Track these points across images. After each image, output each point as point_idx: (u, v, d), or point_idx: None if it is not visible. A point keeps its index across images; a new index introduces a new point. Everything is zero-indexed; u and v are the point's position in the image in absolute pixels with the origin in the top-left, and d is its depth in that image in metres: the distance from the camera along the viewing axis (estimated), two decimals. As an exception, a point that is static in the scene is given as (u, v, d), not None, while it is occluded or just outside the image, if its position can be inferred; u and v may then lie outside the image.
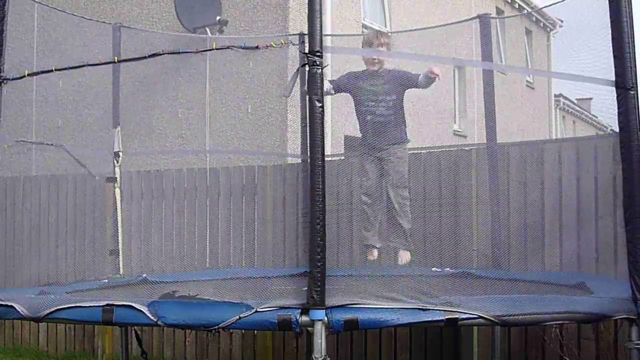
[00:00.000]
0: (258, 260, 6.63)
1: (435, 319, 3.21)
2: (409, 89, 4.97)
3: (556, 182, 5.40)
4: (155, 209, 7.08)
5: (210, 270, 6.52)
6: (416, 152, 5.83)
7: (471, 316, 3.22)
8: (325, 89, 4.98)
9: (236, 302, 3.34)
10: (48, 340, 7.38)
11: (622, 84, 3.41)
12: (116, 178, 5.92)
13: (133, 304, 3.41)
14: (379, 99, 4.91)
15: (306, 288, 3.13)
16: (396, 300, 3.29)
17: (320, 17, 3.19)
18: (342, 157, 7.35)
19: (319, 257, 3.10)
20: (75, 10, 7.67)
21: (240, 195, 6.84)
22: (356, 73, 5.04)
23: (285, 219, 6.57)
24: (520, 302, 3.48)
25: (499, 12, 17.17)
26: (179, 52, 4.64)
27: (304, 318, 3.13)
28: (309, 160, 3.16)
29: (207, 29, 9.56)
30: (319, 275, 3.10)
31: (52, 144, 6.93)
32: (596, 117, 23.04)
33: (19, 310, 3.69)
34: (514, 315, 3.27)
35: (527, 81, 18.21)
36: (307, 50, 3.19)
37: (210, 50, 4.59)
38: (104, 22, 6.60)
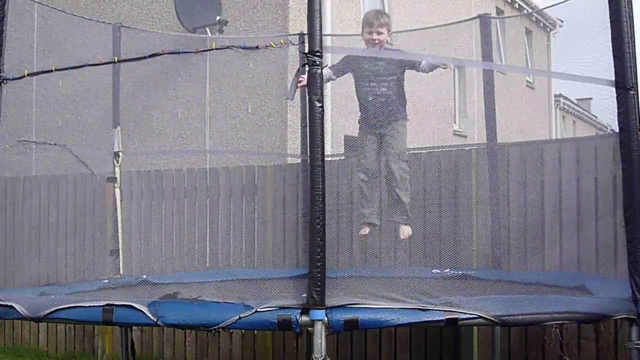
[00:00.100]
0: (258, 260, 6.63)
1: (435, 319, 3.21)
2: (409, 70, 4.97)
3: (556, 182, 5.40)
4: (155, 209, 7.08)
5: (210, 270, 6.52)
6: (416, 152, 5.83)
7: (471, 316, 3.21)
8: (326, 77, 5.01)
9: (236, 302, 3.34)
10: (48, 340, 7.38)
11: (622, 84, 3.41)
12: (116, 178, 5.93)
13: (133, 304, 3.41)
14: (381, 79, 4.91)
15: (306, 288, 3.13)
16: (396, 300, 3.29)
17: (320, 17, 3.19)
18: (342, 157, 7.35)
19: (319, 257, 3.10)
20: (75, 10, 7.67)
21: (240, 195, 6.84)
22: (357, 50, 5.04)
23: (285, 219, 6.57)
24: (520, 302, 3.48)
25: (499, 12, 17.17)
26: (179, 52, 4.65)
27: (304, 318, 3.13)
28: (309, 160, 3.16)
29: (207, 29, 9.57)
30: (319, 275, 3.10)
31: (54, 144, 6.93)
32: (596, 117, 23.08)
33: (19, 310, 3.69)
34: (514, 315, 3.27)
35: (527, 81, 18.21)
36: (307, 50, 3.19)
37: (210, 50, 4.60)
38: (104, 22, 6.60)
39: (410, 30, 6.58)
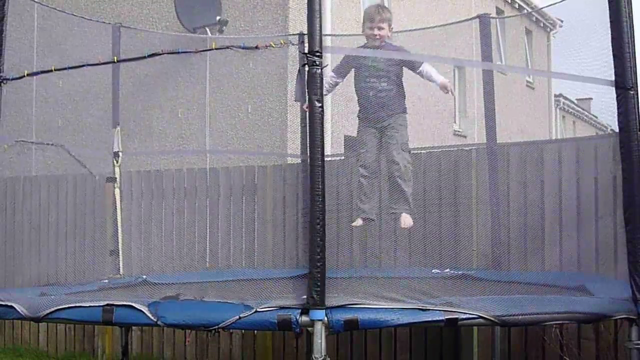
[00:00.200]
0: (258, 260, 6.63)
1: (435, 319, 3.21)
2: (407, 70, 4.99)
3: (556, 182, 5.40)
4: (155, 209, 7.08)
5: (210, 270, 6.52)
6: (416, 152, 5.83)
7: (471, 316, 3.22)
8: (332, 83, 5.02)
9: (236, 302, 3.34)
10: (48, 340, 7.37)
11: (622, 84, 3.41)
12: (116, 178, 5.93)
13: (133, 304, 3.42)
14: (381, 75, 4.92)
15: (306, 288, 3.13)
16: (396, 301, 3.29)
17: (320, 17, 3.20)
18: (342, 157, 7.35)
19: (318, 257, 3.10)
20: (75, 10, 7.67)
21: (240, 195, 6.84)
22: (357, 50, 5.05)
23: (285, 219, 6.57)
24: (520, 302, 3.48)
25: (499, 12, 17.17)
26: (179, 52, 4.64)
27: (304, 318, 3.13)
28: (308, 160, 3.16)
29: (207, 29, 9.56)
30: (319, 275, 3.10)
31: (52, 144, 6.93)
32: (596, 117, 23.05)
33: (19, 310, 3.69)
34: (514, 315, 3.28)
35: (527, 81, 18.21)
36: (306, 50, 3.19)
37: (210, 50, 4.60)
38: (104, 22, 6.61)
39: (410, 30, 6.57)
